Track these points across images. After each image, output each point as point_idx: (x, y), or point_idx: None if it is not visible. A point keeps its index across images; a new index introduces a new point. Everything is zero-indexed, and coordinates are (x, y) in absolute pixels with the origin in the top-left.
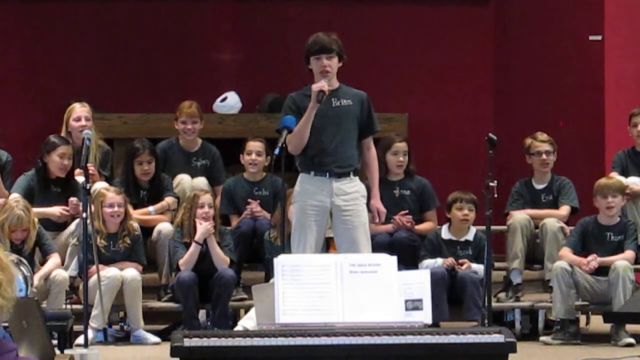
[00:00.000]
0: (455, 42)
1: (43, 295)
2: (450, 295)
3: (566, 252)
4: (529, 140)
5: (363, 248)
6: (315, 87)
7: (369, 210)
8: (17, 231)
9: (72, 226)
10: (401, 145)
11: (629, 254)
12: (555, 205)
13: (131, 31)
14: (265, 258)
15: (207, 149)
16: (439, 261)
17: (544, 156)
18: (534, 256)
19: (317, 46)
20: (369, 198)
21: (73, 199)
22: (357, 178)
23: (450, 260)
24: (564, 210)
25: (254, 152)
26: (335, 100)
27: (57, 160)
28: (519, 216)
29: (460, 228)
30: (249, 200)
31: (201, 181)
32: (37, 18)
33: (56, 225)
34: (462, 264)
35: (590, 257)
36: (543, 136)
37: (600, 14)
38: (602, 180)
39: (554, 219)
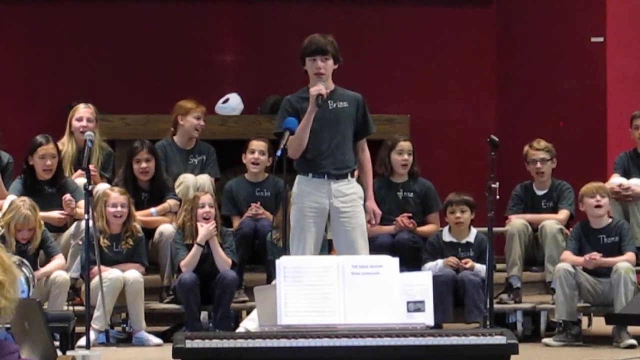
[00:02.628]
0: (458, 43)
1: (44, 297)
2: (453, 297)
3: (568, 255)
4: (526, 148)
5: (361, 249)
6: (313, 90)
7: (365, 211)
8: (24, 230)
9: (73, 228)
10: (405, 144)
11: (630, 255)
12: (555, 210)
13: (133, 33)
14: (268, 259)
15: (203, 145)
16: (439, 263)
17: (538, 164)
18: (535, 258)
19: (312, 47)
20: (364, 199)
21: (66, 196)
22: (354, 179)
23: (452, 259)
24: (562, 214)
25: (257, 150)
26: (332, 103)
27: (39, 162)
28: (516, 222)
29: (458, 230)
30: (252, 204)
31: (205, 178)
32: (39, 20)
33: (57, 227)
34: (465, 263)
35: (592, 254)
36: (540, 144)
37: (602, 16)
38: (588, 185)
39: (553, 221)
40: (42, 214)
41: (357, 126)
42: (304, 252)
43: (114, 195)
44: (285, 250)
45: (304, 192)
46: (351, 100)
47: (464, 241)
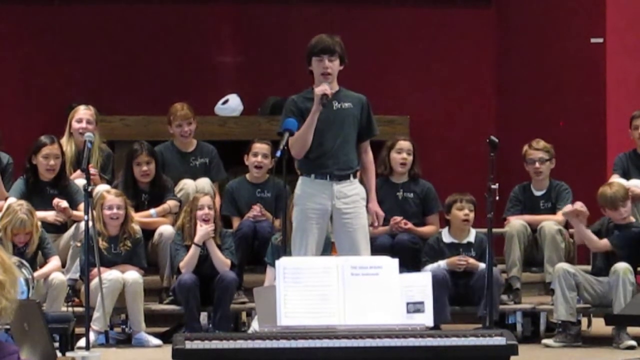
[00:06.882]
0: (457, 44)
1: (42, 299)
2: (457, 296)
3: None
4: (525, 148)
5: (363, 250)
6: (318, 90)
7: (367, 213)
8: (20, 234)
9: (72, 229)
10: (405, 144)
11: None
12: (553, 211)
13: (133, 34)
14: (267, 262)
15: (204, 147)
16: (442, 264)
17: (537, 164)
18: (534, 259)
19: (320, 46)
20: (367, 201)
21: (56, 200)
22: (357, 180)
23: (458, 259)
24: (561, 216)
25: (260, 154)
26: (336, 104)
27: (42, 162)
28: (515, 223)
29: (462, 229)
30: (254, 206)
31: (205, 182)
32: (38, 21)
33: (56, 228)
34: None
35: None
36: (539, 144)
37: (602, 17)
38: (608, 191)
39: (552, 222)
40: (38, 213)
41: (361, 128)
42: (305, 253)
43: (110, 198)
44: (284, 251)
45: (307, 193)
46: (355, 101)
47: (464, 241)
